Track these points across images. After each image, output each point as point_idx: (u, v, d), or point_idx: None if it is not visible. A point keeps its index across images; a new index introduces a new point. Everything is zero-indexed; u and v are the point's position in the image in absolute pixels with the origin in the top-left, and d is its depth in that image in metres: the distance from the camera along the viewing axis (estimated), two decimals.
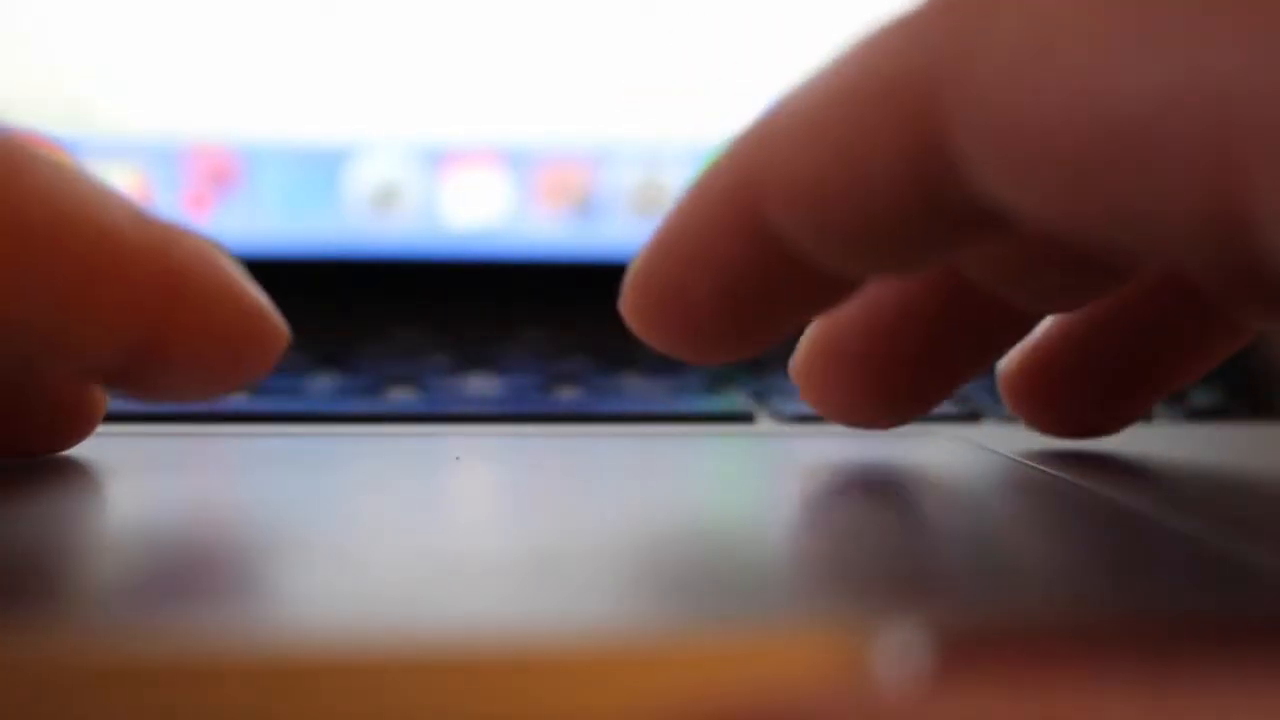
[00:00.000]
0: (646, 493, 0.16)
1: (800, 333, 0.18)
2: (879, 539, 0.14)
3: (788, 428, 0.24)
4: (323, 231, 0.42)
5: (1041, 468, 0.18)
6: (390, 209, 0.42)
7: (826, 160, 0.13)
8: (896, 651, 0.09)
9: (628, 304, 0.16)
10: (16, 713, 0.09)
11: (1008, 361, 0.20)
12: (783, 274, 0.14)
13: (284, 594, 0.11)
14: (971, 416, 0.26)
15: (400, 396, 0.29)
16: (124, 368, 0.14)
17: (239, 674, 0.09)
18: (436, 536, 0.13)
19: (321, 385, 0.30)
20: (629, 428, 0.23)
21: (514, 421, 0.25)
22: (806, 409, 0.19)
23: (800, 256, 0.14)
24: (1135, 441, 0.20)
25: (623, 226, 0.43)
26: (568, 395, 0.30)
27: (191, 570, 0.12)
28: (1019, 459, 0.19)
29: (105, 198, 0.14)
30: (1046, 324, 0.19)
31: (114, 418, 0.19)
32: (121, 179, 0.41)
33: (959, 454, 0.19)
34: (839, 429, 0.19)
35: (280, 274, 0.44)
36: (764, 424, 0.25)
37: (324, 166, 0.42)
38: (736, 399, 0.28)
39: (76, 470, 0.17)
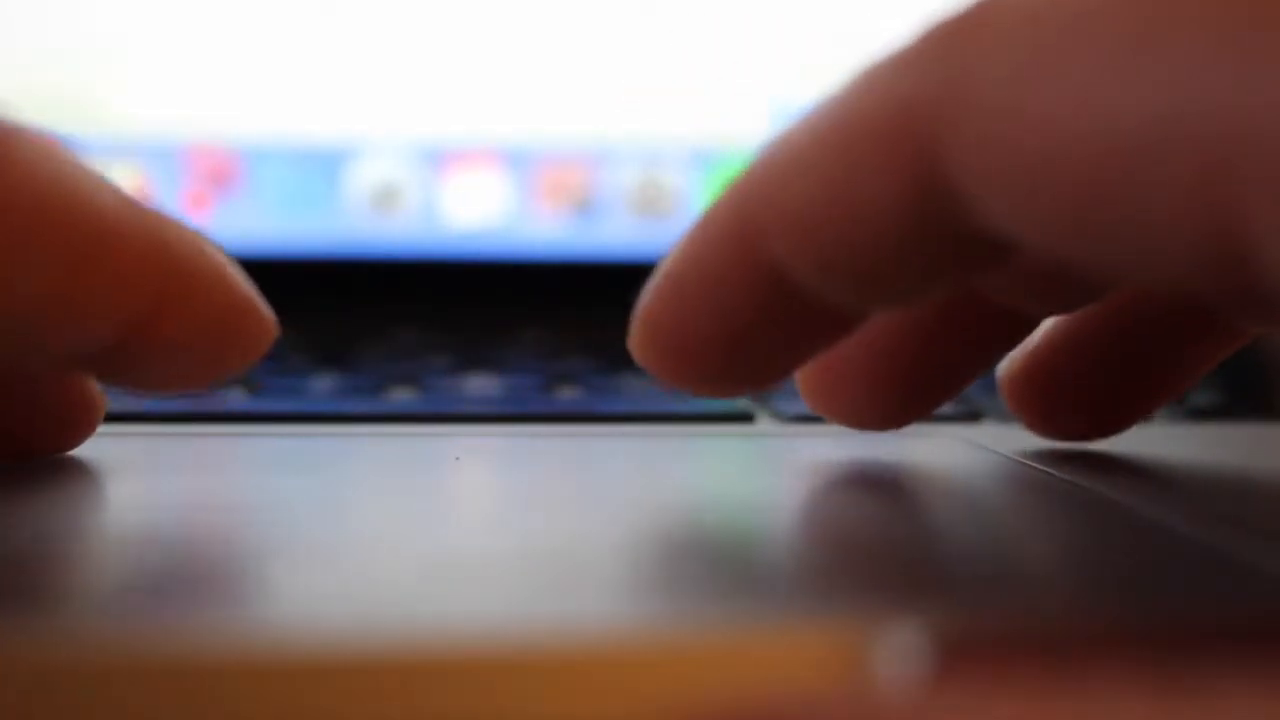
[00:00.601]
0: (646, 493, 0.16)
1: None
2: (879, 539, 0.14)
3: (788, 428, 0.24)
4: (323, 231, 0.42)
5: (1041, 468, 0.18)
6: (390, 209, 0.42)
7: (826, 195, 0.13)
8: (896, 652, 0.09)
9: (635, 343, 0.16)
10: (16, 713, 0.09)
11: (1008, 364, 0.20)
12: (787, 309, 0.14)
13: (284, 594, 0.11)
14: (971, 416, 0.26)
15: (400, 396, 0.29)
16: (112, 356, 0.14)
17: (239, 674, 0.09)
18: (436, 536, 0.13)
19: (321, 385, 0.30)
20: (629, 428, 0.23)
21: (514, 421, 0.25)
22: (806, 409, 0.19)
23: (804, 291, 0.14)
24: (1135, 441, 0.20)
25: (623, 226, 0.43)
26: (568, 395, 0.30)
27: (191, 570, 0.12)
28: (1019, 459, 0.19)
29: (96, 184, 0.14)
30: (1047, 325, 0.19)
31: (114, 418, 0.19)
32: (121, 178, 0.41)
33: (959, 454, 0.19)
34: (839, 429, 0.19)
35: (280, 274, 0.44)
36: (764, 424, 0.25)
37: (324, 166, 0.42)
38: (737, 399, 0.28)
39: (76, 470, 0.17)
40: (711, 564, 0.12)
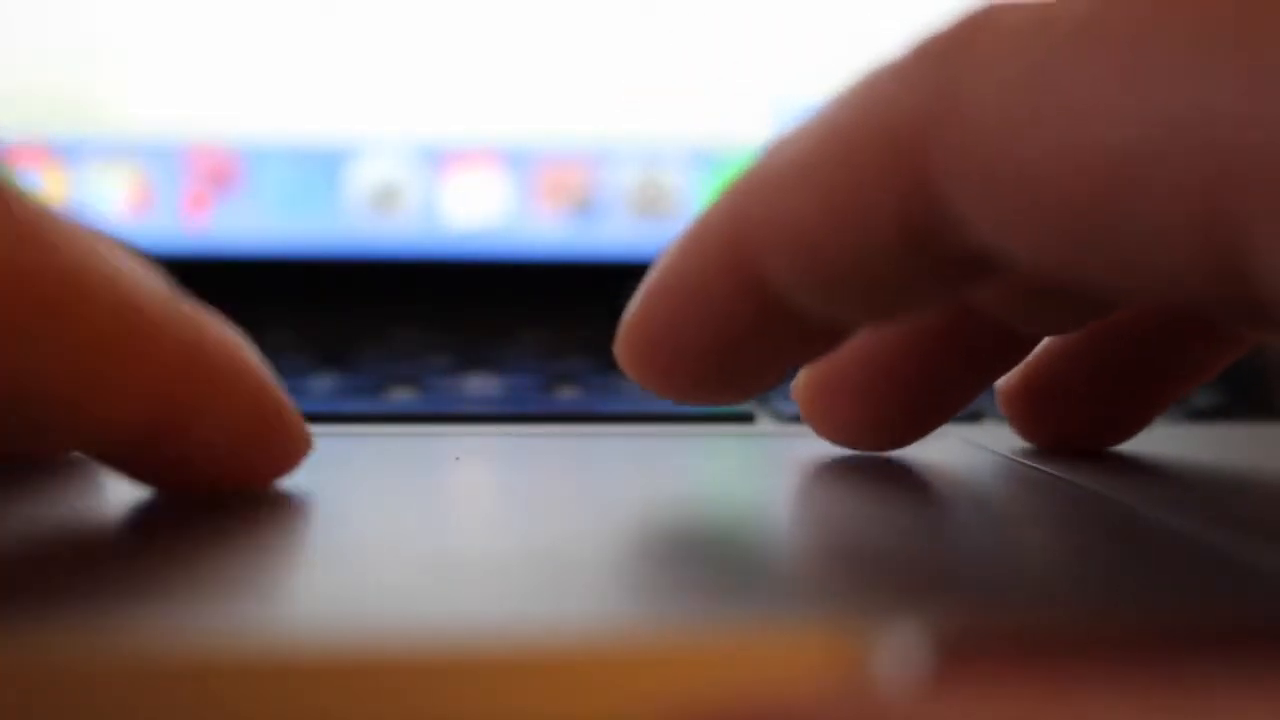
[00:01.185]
0: (646, 493, 0.16)
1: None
2: (879, 539, 0.14)
3: (788, 428, 0.24)
4: (323, 231, 0.42)
5: (1041, 468, 0.18)
6: (390, 209, 0.42)
7: (818, 210, 0.13)
8: (896, 652, 0.09)
9: (623, 352, 0.16)
10: (16, 713, 0.09)
11: (1008, 378, 0.20)
12: (775, 322, 0.14)
13: (284, 594, 0.11)
14: (971, 417, 0.26)
15: (400, 396, 0.29)
16: (136, 451, 0.14)
17: (239, 674, 0.09)
18: (436, 536, 0.13)
19: (321, 385, 0.30)
20: (629, 428, 0.23)
21: (514, 421, 0.25)
22: None
23: (793, 305, 0.14)
24: (1135, 441, 0.20)
25: (623, 226, 0.43)
26: (568, 395, 0.30)
27: (191, 570, 0.12)
28: (1019, 459, 0.19)
29: (136, 273, 0.13)
30: (1046, 341, 0.19)
31: None
32: (121, 179, 0.41)
33: (959, 454, 0.19)
34: None
35: (280, 274, 0.44)
36: (764, 424, 0.25)
37: (324, 166, 0.42)
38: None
39: (77, 470, 0.17)
40: (711, 564, 0.12)
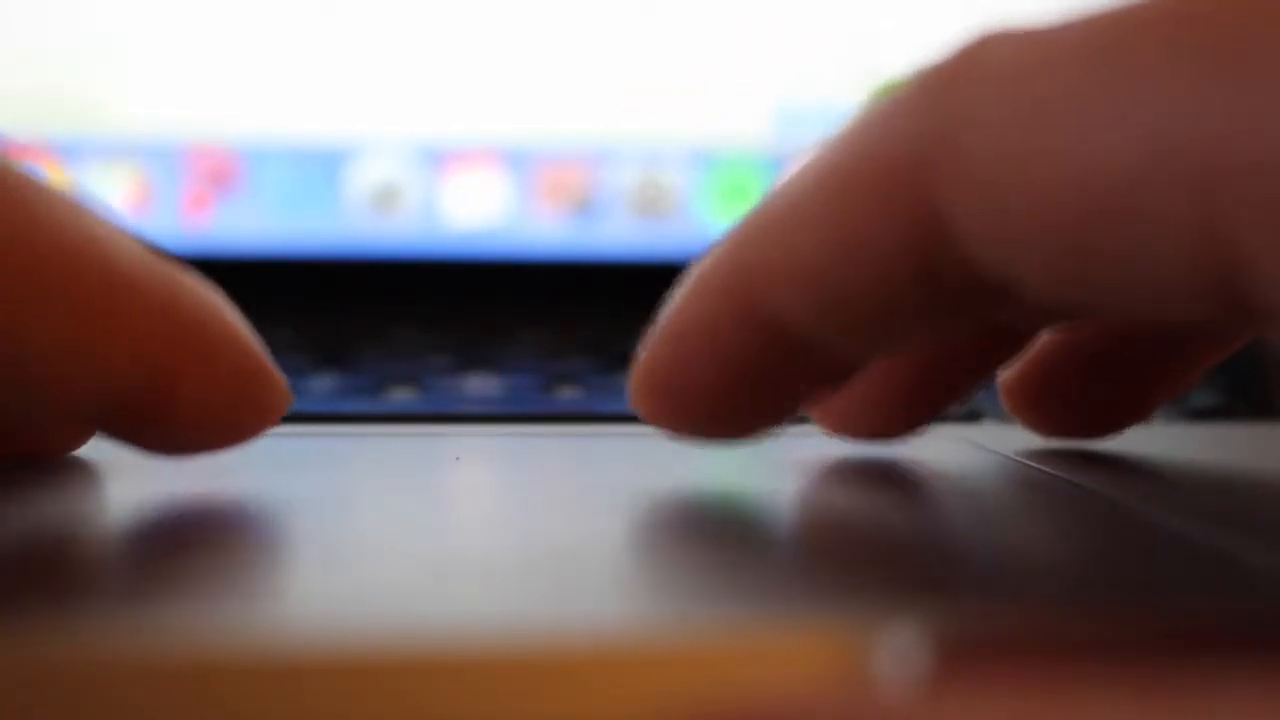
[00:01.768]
0: (646, 492, 0.16)
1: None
2: (879, 539, 0.14)
3: (787, 427, 0.24)
4: (323, 231, 0.42)
5: (1041, 468, 0.18)
6: (390, 209, 0.42)
7: (825, 245, 0.13)
8: (896, 653, 0.09)
9: (635, 395, 0.16)
10: (16, 713, 0.09)
11: (1009, 370, 0.20)
12: (786, 359, 0.15)
13: (283, 594, 0.11)
14: (971, 416, 0.26)
15: (400, 396, 0.29)
16: (121, 413, 0.14)
17: (239, 674, 0.09)
18: (436, 536, 0.13)
19: (321, 385, 0.30)
20: (629, 428, 0.23)
21: (514, 421, 0.25)
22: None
23: (802, 341, 0.14)
24: (1135, 441, 0.20)
25: (623, 226, 0.43)
26: (568, 395, 0.30)
27: (191, 570, 0.12)
28: (1019, 459, 0.19)
29: (115, 236, 0.14)
30: (1046, 332, 0.19)
31: None
32: (121, 179, 0.41)
33: (959, 454, 0.19)
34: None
35: (280, 274, 0.44)
36: None
37: (324, 166, 0.42)
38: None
39: (76, 470, 0.17)
40: (711, 564, 0.12)
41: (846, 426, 0.19)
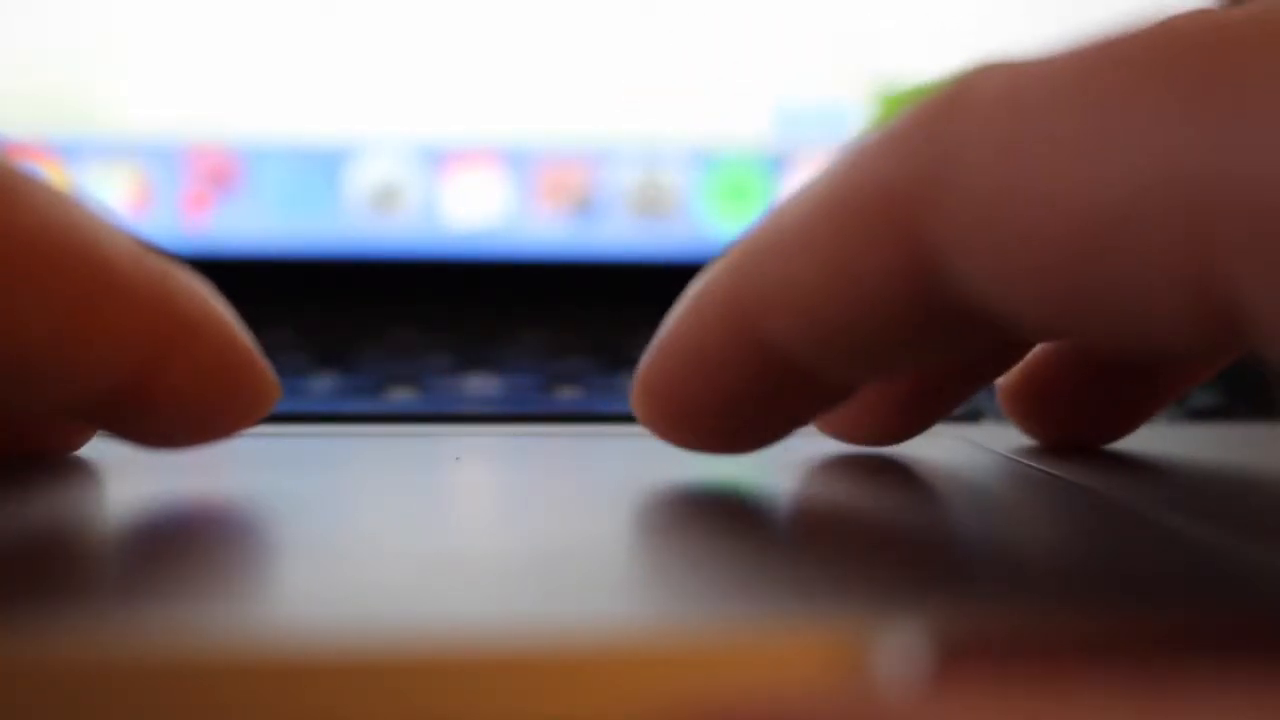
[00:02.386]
0: (646, 492, 0.16)
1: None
2: (879, 539, 0.14)
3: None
4: (323, 231, 0.42)
5: (1041, 467, 0.18)
6: (390, 209, 0.42)
7: (819, 274, 0.13)
8: (895, 653, 0.09)
9: (636, 406, 0.16)
10: (16, 713, 0.09)
11: (1007, 377, 0.20)
12: (781, 382, 0.15)
13: (284, 594, 0.11)
14: (971, 416, 0.26)
15: (400, 396, 0.29)
16: (111, 406, 0.14)
17: (239, 674, 0.09)
18: (436, 537, 0.13)
19: (321, 385, 0.30)
20: (629, 428, 0.23)
21: (514, 421, 0.25)
22: None
23: (798, 366, 0.14)
24: (1135, 441, 0.20)
25: (623, 226, 0.43)
26: (568, 395, 0.30)
27: (191, 570, 0.12)
28: (1019, 459, 0.19)
29: (103, 229, 0.14)
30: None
31: None
32: (121, 179, 0.41)
33: (959, 454, 0.19)
34: None
35: (280, 274, 0.44)
36: None
37: (324, 166, 0.42)
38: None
39: (76, 470, 0.17)
40: (711, 563, 0.12)
41: (844, 431, 0.19)
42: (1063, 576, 0.12)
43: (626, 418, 0.25)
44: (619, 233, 0.43)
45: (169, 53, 0.41)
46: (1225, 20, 0.11)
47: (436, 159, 0.43)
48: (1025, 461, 0.19)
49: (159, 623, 0.10)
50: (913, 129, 0.13)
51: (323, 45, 0.42)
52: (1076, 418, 0.20)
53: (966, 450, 0.20)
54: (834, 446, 0.19)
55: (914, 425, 0.19)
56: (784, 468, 0.18)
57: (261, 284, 0.41)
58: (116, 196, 0.41)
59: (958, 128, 0.12)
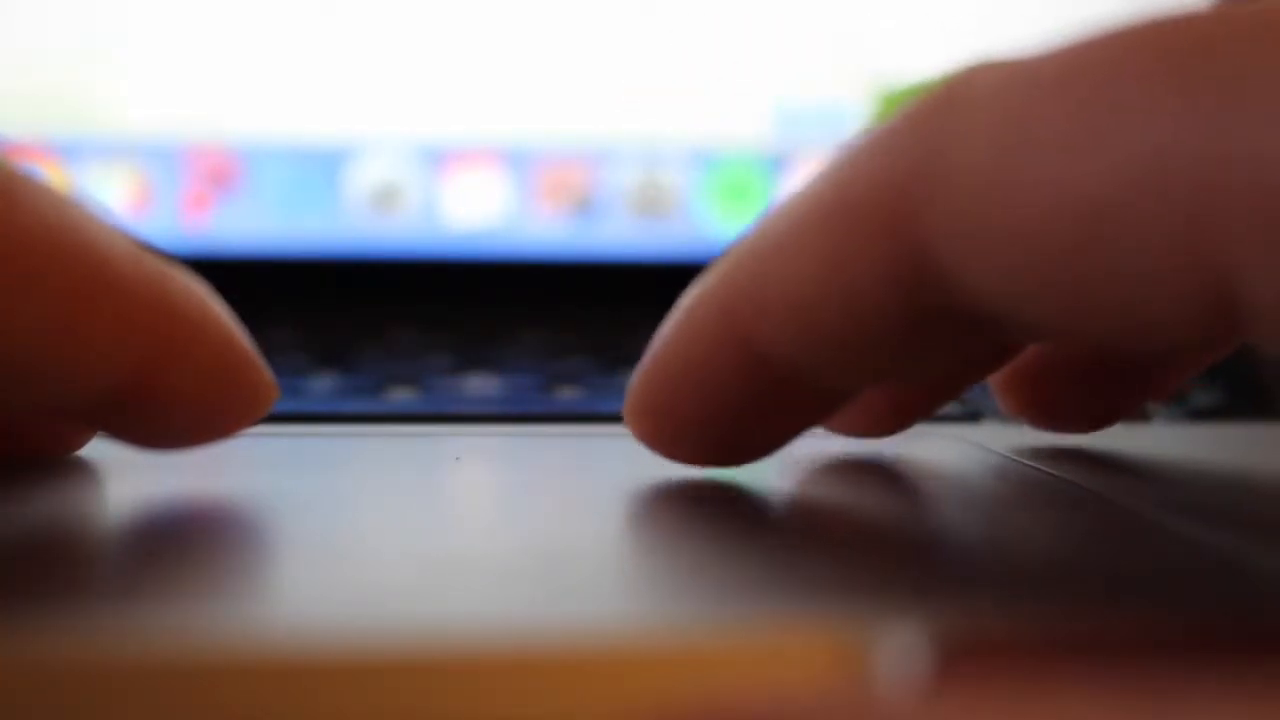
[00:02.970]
0: (646, 493, 0.16)
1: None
2: (878, 539, 0.14)
3: None
4: (323, 231, 0.42)
5: (1041, 467, 0.18)
6: (390, 209, 0.42)
7: (812, 278, 0.13)
8: (895, 653, 0.09)
9: (629, 419, 0.16)
10: (16, 713, 0.09)
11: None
12: (774, 392, 0.15)
13: (283, 594, 0.11)
14: (971, 416, 0.26)
15: (400, 396, 0.29)
16: (109, 407, 0.14)
17: (239, 674, 0.09)
18: (436, 537, 0.13)
19: (321, 385, 0.30)
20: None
21: (514, 421, 0.25)
22: None
23: (791, 373, 0.14)
24: (1135, 441, 0.20)
25: (623, 226, 0.43)
26: (568, 395, 0.30)
27: (191, 570, 0.12)
28: (1019, 459, 0.19)
29: (102, 230, 0.14)
30: None
31: None
32: (121, 179, 0.41)
33: (959, 454, 0.19)
34: None
35: (280, 274, 0.44)
36: None
37: (324, 166, 0.42)
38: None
39: (76, 470, 0.17)
40: (711, 563, 0.12)
41: (835, 424, 0.19)
42: (1062, 577, 0.12)
43: None
44: (619, 233, 0.43)
45: (169, 53, 0.41)
46: (1217, 15, 0.11)
47: (436, 159, 0.43)
48: (1025, 461, 0.18)
49: (159, 623, 0.10)
50: (904, 128, 0.13)
51: (322, 45, 0.42)
52: (1070, 404, 0.20)
53: (966, 450, 0.20)
54: (834, 446, 0.19)
55: (906, 419, 0.19)
56: (783, 468, 0.18)
57: (261, 284, 0.41)
58: (116, 196, 0.41)
59: (950, 125, 0.12)
